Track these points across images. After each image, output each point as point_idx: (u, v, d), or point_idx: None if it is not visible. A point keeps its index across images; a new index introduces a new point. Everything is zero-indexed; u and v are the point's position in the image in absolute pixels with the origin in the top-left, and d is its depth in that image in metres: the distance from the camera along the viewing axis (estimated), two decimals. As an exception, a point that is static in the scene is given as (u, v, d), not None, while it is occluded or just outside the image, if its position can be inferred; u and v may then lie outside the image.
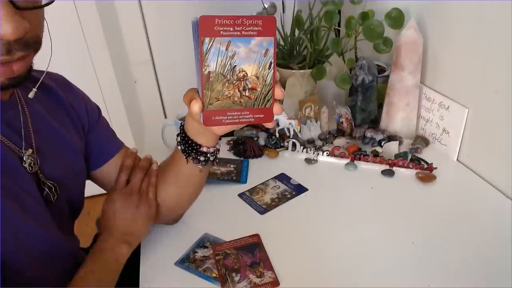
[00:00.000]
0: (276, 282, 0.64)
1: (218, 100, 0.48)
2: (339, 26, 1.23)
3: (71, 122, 0.67)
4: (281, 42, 1.14)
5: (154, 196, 0.69)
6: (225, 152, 1.01)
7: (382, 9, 1.03)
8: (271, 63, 0.48)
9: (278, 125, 1.02)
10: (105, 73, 1.82)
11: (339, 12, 1.08)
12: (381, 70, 1.14)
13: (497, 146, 0.82)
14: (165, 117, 2.07)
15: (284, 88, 1.18)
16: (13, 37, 0.42)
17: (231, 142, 1.04)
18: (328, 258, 0.68)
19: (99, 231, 0.67)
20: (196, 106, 0.48)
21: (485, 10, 0.79)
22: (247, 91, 0.49)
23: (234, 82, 0.48)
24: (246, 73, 0.48)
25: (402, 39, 0.96)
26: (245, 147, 0.99)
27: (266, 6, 1.87)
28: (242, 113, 0.50)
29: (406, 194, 0.84)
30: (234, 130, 1.07)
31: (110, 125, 0.76)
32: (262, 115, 0.51)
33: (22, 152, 0.56)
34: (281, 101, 0.53)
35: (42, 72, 0.66)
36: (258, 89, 0.49)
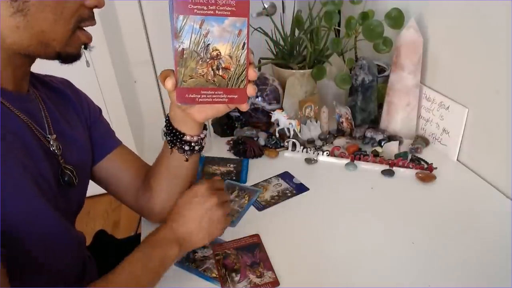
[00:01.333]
0: (276, 282, 0.64)
1: (192, 78, 0.49)
2: (339, 26, 1.23)
3: (77, 117, 0.69)
4: (281, 42, 1.14)
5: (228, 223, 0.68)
6: (225, 152, 1.02)
7: (382, 9, 1.03)
8: (244, 43, 0.49)
9: (278, 125, 1.02)
10: (105, 73, 1.82)
11: (339, 12, 1.08)
12: (381, 70, 1.14)
13: (497, 146, 0.82)
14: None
15: (284, 88, 1.18)
16: (103, 4, 0.55)
17: (231, 142, 1.04)
18: (328, 258, 0.68)
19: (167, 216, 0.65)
20: (169, 83, 0.49)
21: (485, 10, 0.79)
22: (220, 70, 0.50)
23: (208, 60, 0.49)
24: (220, 52, 0.49)
25: (402, 39, 0.96)
26: (245, 147, 0.99)
27: (266, 6, 1.87)
28: (216, 92, 0.51)
29: (406, 194, 0.84)
30: (234, 130, 1.07)
31: (110, 126, 0.78)
32: (236, 96, 0.51)
33: (48, 137, 0.59)
34: (254, 84, 0.53)
35: (48, 76, 0.70)
36: (232, 69, 0.50)
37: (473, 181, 0.87)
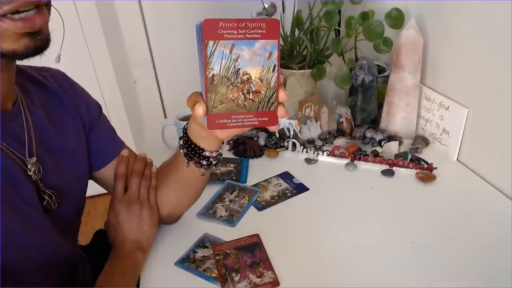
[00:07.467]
0: (276, 282, 0.64)
1: (222, 103, 0.48)
2: (339, 26, 1.23)
3: (73, 125, 0.67)
4: (281, 42, 1.14)
5: (155, 199, 0.70)
6: (225, 152, 1.01)
7: (382, 9, 1.03)
8: (275, 65, 0.48)
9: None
10: (105, 73, 1.82)
11: (339, 12, 1.08)
12: (381, 70, 1.14)
13: (497, 146, 0.82)
14: (165, 117, 2.07)
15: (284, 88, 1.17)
16: None
17: (231, 142, 1.04)
18: (328, 258, 0.68)
19: (110, 241, 0.68)
20: (200, 109, 0.47)
21: (485, 10, 0.79)
22: (251, 94, 0.49)
23: (238, 85, 0.48)
24: (250, 76, 0.48)
25: (402, 39, 0.96)
26: (245, 147, 0.99)
27: (266, 6, 1.87)
28: (247, 116, 0.50)
29: (406, 194, 0.84)
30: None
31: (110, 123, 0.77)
32: (267, 118, 0.51)
33: (27, 160, 0.56)
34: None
35: (43, 69, 0.67)
36: (262, 92, 0.49)
37: (473, 181, 0.87)
